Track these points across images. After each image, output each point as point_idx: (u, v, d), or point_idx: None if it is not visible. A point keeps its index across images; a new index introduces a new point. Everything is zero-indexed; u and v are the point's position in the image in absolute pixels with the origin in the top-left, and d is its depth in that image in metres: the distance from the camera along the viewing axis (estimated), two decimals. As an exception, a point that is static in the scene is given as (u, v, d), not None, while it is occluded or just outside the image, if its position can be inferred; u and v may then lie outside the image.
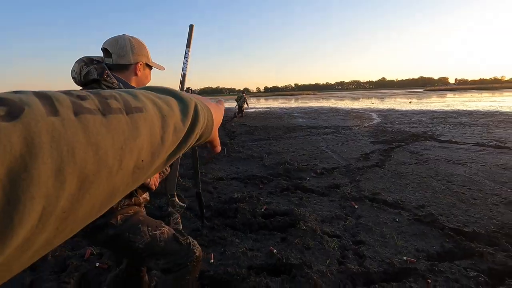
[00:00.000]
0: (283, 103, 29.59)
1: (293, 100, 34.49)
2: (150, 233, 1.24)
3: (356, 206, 3.09)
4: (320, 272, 1.94)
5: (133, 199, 1.29)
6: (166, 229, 1.28)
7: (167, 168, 1.44)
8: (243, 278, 1.89)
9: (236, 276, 1.90)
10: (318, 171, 4.43)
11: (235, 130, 9.47)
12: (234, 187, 3.86)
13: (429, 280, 1.85)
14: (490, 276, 1.92)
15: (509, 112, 12.65)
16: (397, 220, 2.76)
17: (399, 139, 6.98)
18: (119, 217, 1.22)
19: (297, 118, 13.10)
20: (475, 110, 13.82)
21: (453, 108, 15.62)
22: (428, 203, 3.14)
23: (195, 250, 1.30)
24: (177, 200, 1.47)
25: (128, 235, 1.20)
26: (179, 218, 1.59)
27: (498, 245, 2.25)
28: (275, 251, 2.21)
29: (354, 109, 17.59)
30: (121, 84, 1.24)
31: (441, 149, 5.82)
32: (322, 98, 36.29)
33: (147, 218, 1.30)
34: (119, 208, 1.23)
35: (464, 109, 14.89)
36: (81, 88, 1.22)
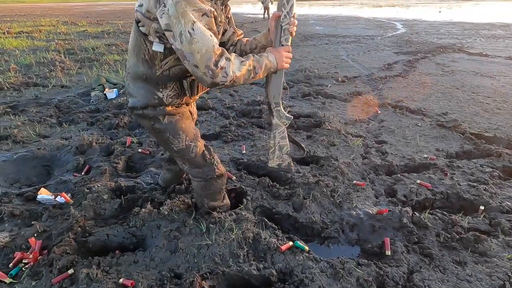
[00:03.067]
0: (297, 7, 26.68)
1: (307, 6, 30.97)
2: (186, 142, 1.35)
3: (379, 112, 3.12)
4: (346, 163, 2.10)
5: (184, 99, 1.34)
6: (200, 143, 1.40)
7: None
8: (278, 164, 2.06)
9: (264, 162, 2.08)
10: (339, 78, 4.32)
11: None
12: (255, 91, 3.85)
13: (447, 173, 2.01)
14: (503, 172, 2.07)
15: (551, 25, 11.36)
16: (419, 125, 2.83)
17: (425, 50, 6.52)
18: (166, 118, 1.30)
19: (314, 26, 12.02)
20: (511, 23, 12.43)
21: (488, 20, 14.03)
22: (451, 111, 3.15)
23: (216, 170, 1.43)
24: (282, 110, 1.38)
25: (168, 135, 1.32)
26: (285, 131, 1.42)
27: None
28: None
29: (376, 17, 15.89)
30: None
31: (470, 62, 5.49)
32: (339, 5, 32.50)
33: (189, 126, 1.37)
34: (169, 106, 1.30)
35: (500, 21, 13.37)
36: None
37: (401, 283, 1.24)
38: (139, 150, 2.22)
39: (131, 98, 1.30)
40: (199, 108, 3.21)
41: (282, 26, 1.26)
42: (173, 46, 1.07)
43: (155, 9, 1.06)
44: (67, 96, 3.56)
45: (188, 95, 1.32)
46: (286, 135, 1.43)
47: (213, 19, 1.10)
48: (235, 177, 1.92)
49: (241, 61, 1.13)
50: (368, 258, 1.38)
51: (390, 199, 1.80)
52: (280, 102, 1.37)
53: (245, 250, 1.35)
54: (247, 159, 2.17)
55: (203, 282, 1.20)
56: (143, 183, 1.88)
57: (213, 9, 1.10)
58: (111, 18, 13.91)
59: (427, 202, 1.77)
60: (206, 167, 1.41)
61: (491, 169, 2.06)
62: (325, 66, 5.17)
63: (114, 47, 6.65)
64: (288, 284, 1.22)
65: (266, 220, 1.55)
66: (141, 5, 1.13)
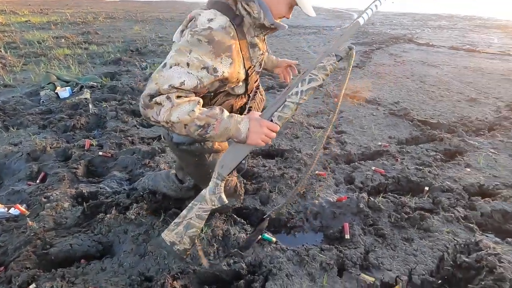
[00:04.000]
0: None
1: (269, -4, 31.03)
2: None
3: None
4: (308, 155, 2.21)
5: None
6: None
7: None
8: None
9: (236, 159, 2.12)
10: (301, 70, 4.43)
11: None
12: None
13: (397, 158, 2.21)
14: (445, 155, 2.32)
15: (486, 17, 12.59)
16: (374, 114, 3.04)
17: (379, 41, 6.90)
18: (212, 156, 1.29)
19: (276, 16, 12.07)
20: (455, 14, 13.54)
21: (435, 11, 15.12)
22: (402, 100, 3.42)
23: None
24: (222, 188, 1.15)
25: (210, 171, 1.20)
26: (207, 215, 1.18)
27: (455, 132, 2.64)
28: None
29: (336, 8, 16.37)
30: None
31: (418, 52, 5.94)
32: (301, -6, 32.80)
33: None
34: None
35: (446, 12, 14.50)
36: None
37: (358, 263, 1.37)
38: (100, 153, 2.13)
39: (177, 135, 1.19)
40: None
41: (286, 100, 1.08)
42: None
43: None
44: (12, 97, 3.26)
45: None
46: (205, 219, 1.15)
47: (213, 78, 1.00)
48: (202, 175, 1.93)
49: (191, 110, 0.97)
50: (330, 243, 1.50)
51: (349, 186, 1.94)
52: (225, 179, 1.13)
53: (215, 247, 1.39)
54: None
55: (175, 282, 1.22)
56: (106, 187, 1.82)
57: (223, 70, 1.01)
58: (56, 6, 12.73)
59: (381, 186, 1.94)
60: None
61: (434, 153, 2.30)
62: (287, 57, 5.26)
63: (63, 40, 6.14)
64: (257, 275, 1.29)
65: (235, 216, 1.60)
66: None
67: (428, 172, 2.03)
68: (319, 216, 1.68)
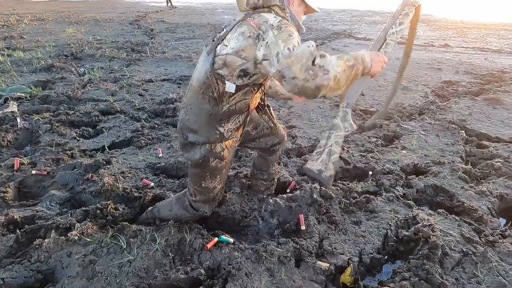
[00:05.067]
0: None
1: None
2: (214, 185, 1.41)
3: (288, 98, 3.39)
4: (261, 152, 2.24)
5: (239, 131, 1.36)
6: (221, 191, 1.50)
7: None
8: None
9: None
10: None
11: (153, 27, 8.29)
12: (166, 88, 3.69)
13: (343, 147, 2.35)
14: (384, 140, 2.54)
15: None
16: (321, 107, 3.19)
17: (322, 36, 7.27)
18: (215, 162, 1.34)
19: (222, 15, 12.00)
20: (387, 10, 14.79)
21: (370, 7, 16.37)
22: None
23: (206, 212, 1.49)
24: (350, 115, 1.27)
25: (206, 174, 1.37)
26: (342, 139, 1.29)
27: (391, 118, 2.90)
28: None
29: None
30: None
31: (357, 46, 6.37)
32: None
33: (225, 174, 1.47)
34: (228, 139, 1.32)
35: (380, 8, 15.76)
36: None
37: (314, 251, 1.43)
38: (33, 172, 1.91)
39: (193, 134, 1.30)
40: (104, 112, 2.92)
41: (386, 39, 1.27)
42: (270, 74, 1.08)
43: (255, 46, 1.09)
44: None
45: (243, 127, 1.36)
46: (341, 144, 1.27)
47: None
48: (153, 183, 1.85)
49: (337, 56, 1.04)
50: (287, 237, 1.54)
51: (302, 177, 2.01)
52: (352, 107, 1.28)
53: (171, 257, 1.34)
54: (164, 163, 2.11)
55: (129, 301, 1.15)
56: (44, 209, 1.64)
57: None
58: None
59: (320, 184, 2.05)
60: (204, 204, 1.46)
61: (375, 139, 2.50)
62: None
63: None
64: (216, 279, 1.28)
65: (190, 222, 1.56)
66: (224, 49, 1.16)
67: (371, 157, 2.20)
68: (276, 212, 1.70)
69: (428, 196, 1.90)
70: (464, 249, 1.44)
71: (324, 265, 1.36)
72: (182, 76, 4.08)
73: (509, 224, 1.69)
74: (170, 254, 1.36)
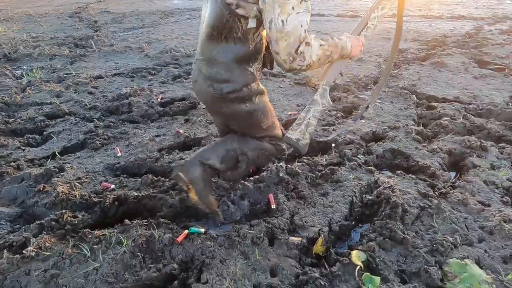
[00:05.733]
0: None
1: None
2: (272, 119, 1.48)
3: (247, 81, 3.34)
4: (225, 138, 2.21)
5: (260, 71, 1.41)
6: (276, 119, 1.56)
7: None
8: (157, 159, 1.98)
9: (149, 158, 1.98)
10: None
11: (97, 19, 7.65)
12: (119, 83, 3.45)
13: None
14: (344, 112, 2.61)
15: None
16: (281, 86, 3.20)
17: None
18: (258, 98, 1.37)
19: (173, 0, 11.39)
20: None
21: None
22: (303, 69, 3.67)
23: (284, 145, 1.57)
24: (328, 93, 1.42)
25: (260, 114, 1.40)
26: (320, 112, 1.43)
27: (349, 91, 2.99)
28: (181, 131, 2.32)
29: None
30: None
31: (312, 22, 6.40)
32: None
33: (270, 104, 1.48)
34: (257, 79, 1.36)
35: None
36: None
37: (286, 228, 1.46)
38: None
39: (227, 84, 1.28)
40: (51, 116, 2.68)
41: (367, 23, 1.39)
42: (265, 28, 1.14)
43: (262, 4, 1.09)
44: None
45: (268, 66, 1.43)
46: (318, 118, 1.45)
47: (306, 3, 1.11)
48: (113, 185, 1.75)
49: (320, 45, 1.16)
50: (258, 218, 1.55)
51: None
52: (330, 85, 1.43)
53: (140, 257, 1.29)
54: (124, 161, 2.00)
55: (99, 309, 1.10)
56: (-9, 229, 1.49)
57: None
58: None
59: (296, 152, 2.08)
60: (279, 139, 1.54)
61: (335, 112, 2.56)
62: (191, 43, 5.06)
63: None
64: (191, 271, 1.26)
65: (158, 218, 1.51)
66: None
67: (333, 130, 2.26)
68: (246, 195, 1.70)
69: (387, 160, 2.01)
70: (421, 204, 1.55)
71: (296, 239, 1.39)
72: (134, 69, 3.84)
73: (458, 176, 1.85)
74: (139, 254, 1.31)
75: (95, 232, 1.38)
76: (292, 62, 1.11)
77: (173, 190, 1.68)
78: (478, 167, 1.84)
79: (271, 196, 1.64)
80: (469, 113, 2.42)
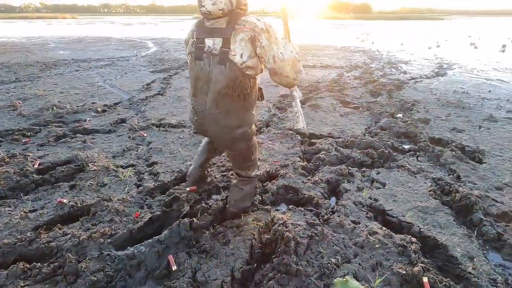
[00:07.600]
0: (25, 29, 21.79)
1: (45, 24, 26.13)
2: (257, 153, 1.91)
3: (145, 135, 3.26)
4: (121, 200, 2.05)
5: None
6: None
7: None
8: (31, 240, 1.67)
9: (20, 242, 1.65)
10: (99, 109, 4.06)
11: (-51, 73, 6.27)
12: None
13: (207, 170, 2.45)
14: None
15: None
16: (181, 136, 3.24)
17: (176, 66, 7.44)
18: (253, 138, 1.78)
19: (57, 50, 10.42)
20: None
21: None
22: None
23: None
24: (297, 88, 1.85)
25: (253, 150, 1.82)
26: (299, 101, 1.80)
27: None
28: (65, 200, 2.04)
29: (128, 37, 16.15)
30: None
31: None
32: (85, 24, 30.18)
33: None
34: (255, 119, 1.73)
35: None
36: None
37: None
38: None
39: (238, 129, 1.61)
40: None
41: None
42: (267, 67, 1.52)
43: (261, 50, 1.47)
44: None
45: (260, 99, 1.72)
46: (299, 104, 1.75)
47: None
48: None
49: (296, 57, 1.53)
50: (158, 284, 1.46)
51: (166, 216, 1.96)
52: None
53: None
54: None
55: None
56: None
57: None
58: None
59: (198, 204, 2.09)
60: (255, 169, 1.96)
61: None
62: (79, 97, 4.66)
63: None
64: None
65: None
66: (242, 57, 1.46)
67: (231, 175, 2.39)
68: (143, 264, 1.58)
69: (282, 196, 2.23)
70: (309, 233, 1.76)
71: (199, 299, 1.35)
72: (2, 132, 3.25)
73: (336, 202, 2.19)
74: None
75: None
76: (298, 77, 1.54)
77: (56, 275, 1.43)
78: (348, 191, 2.23)
79: (171, 257, 1.57)
80: (339, 146, 2.96)
